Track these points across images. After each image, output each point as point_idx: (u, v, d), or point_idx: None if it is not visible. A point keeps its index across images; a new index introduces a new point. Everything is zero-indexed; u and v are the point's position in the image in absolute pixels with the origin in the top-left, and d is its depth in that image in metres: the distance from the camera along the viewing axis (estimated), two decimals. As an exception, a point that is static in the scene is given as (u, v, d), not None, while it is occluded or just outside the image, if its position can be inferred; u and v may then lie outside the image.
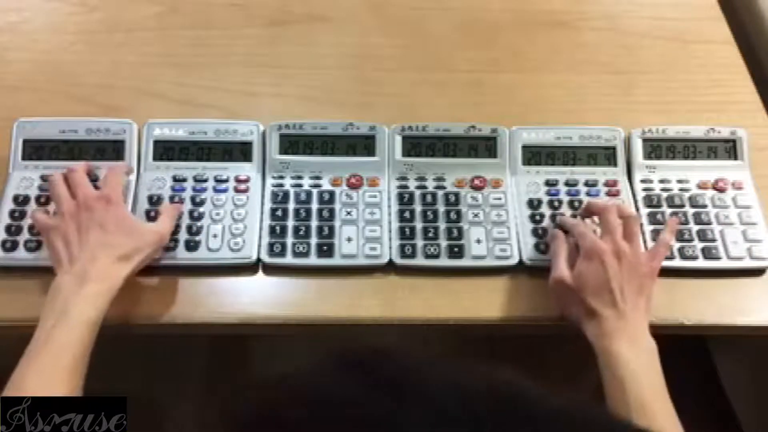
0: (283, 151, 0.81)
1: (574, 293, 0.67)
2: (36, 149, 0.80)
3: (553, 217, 0.78)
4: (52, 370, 0.60)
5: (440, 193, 0.80)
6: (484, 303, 0.74)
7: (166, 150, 0.81)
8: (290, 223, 0.77)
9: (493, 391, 0.31)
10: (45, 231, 0.69)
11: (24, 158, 0.80)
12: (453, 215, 0.78)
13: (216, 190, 0.79)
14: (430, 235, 0.77)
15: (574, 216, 0.78)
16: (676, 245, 0.77)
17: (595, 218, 0.76)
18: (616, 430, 0.31)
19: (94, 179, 0.77)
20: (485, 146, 0.82)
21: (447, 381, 0.31)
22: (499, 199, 0.79)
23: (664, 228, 0.74)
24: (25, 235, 0.75)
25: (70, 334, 0.61)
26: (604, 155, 0.83)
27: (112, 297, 0.65)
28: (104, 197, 0.70)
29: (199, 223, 0.76)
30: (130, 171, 0.78)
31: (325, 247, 0.75)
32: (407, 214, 0.78)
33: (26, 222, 0.76)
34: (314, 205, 0.78)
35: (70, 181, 0.72)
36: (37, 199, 0.77)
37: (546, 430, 0.29)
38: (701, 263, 0.77)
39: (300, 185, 0.80)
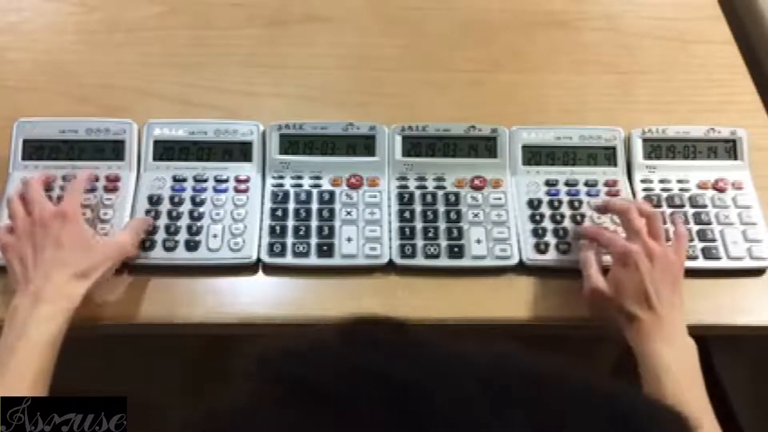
0: (283, 151, 0.81)
1: (612, 301, 0.67)
2: (36, 149, 0.80)
3: (553, 217, 0.78)
4: (14, 392, 0.60)
5: (440, 193, 0.80)
6: (484, 303, 0.74)
7: (166, 150, 0.81)
8: (290, 223, 0.77)
9: (505, 364, 0.32)
10: (2, 250, 0.69)
11: (24, 158, 0.80)
12: (453, 215, 0.78)
13: (216, 190, 0.79)
14: (430, 235, 0.77)
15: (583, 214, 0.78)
16: (676, 245, 0.77)
17: (613, 216, 0.76)
18: (644, 406, 0.32)
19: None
20: (485, 146, 0.82)
21: (459, 354, 0.32)
22: (499, 199, 0.79)
23: (674, 221, 0.74)
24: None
25: (30, 355, 0.61)
26: (604, 155, 0.83)
27: (71, 315, 0.65)
28: (60, 213, 0.68)
29: (199, 223, 0.76)
30: (91, 178, 0.77)
31: (325, 247, 0.75)
32: (407, 214, 0.78)
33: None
34: (314, 205, 0.78)
35: (25, 198, 0.71)
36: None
37: (570, 403, 0.30)
38: (701, 263, 0.77)
39: (300, 185, 0.80)
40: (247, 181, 0.79)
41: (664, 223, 0.77)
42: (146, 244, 0.75)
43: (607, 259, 0.71)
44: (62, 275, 0.65)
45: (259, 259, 0.75)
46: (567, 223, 0.78)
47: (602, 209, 0.76)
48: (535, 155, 0.82)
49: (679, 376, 0.62)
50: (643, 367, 0.64)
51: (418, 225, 0.77)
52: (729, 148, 0.83)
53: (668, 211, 0.79)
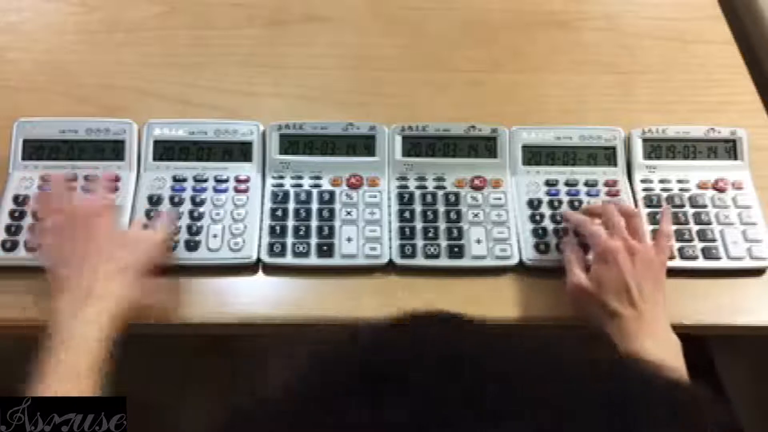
0: (283, 151, 0.81)
1: (593, 297, 0.67)
2: (36, 149, 0.80)
3: (553, 217, 0.79)
4: (65, 390, 0.59)
5: (440, 193, 0.80)
6: (484, 303, 0.74)
7: (166, 150, 0.81)
8: (290, 223, 0.77)
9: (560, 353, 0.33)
10: (38, 249, 0.69)
11: (24, 158, 0.80)
12: (453, 215, 0.78)
13: (216, 190, 0.79)
14: (430, 235, 0.77)
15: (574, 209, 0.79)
16: (676, 245, 0.77)
17: (596, 220, 0.76)
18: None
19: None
20: (485, 146, 0.82)
21: (522, 356, 0.33)
22: (499, 199, 0.79)
23: (660, 218, 0.75)
24: (25, 235, 0.75)
25: (78, 357, 0.60)
26: (604, 155, 0.83)
27: (116, 312, 0.64)
28: (94, 211, 0.68)
29: (199, 223, 0.76)
30: (111, 177, 0.77)
31: (325, 247, 0.75)
32: (407, 214, 0.78)
33: (26, 222, 0.75)
34: (314, 205, 0.78)
35: (55, 195, 0.71)
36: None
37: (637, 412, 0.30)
38: (701, 263, 0.77)
39: (300, 185, 0.80)
40: (247, 181, 0.79)
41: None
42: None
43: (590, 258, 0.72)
44: (104, 272, 0.64)
45: (259, 259, 0.75)
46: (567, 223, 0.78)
47: (586, 214, 0.76)
48: (535, 155, 0.82)
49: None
50: None
51: (418, 225, 0.77)
52: (729, 148, 0.83)
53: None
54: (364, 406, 0.30)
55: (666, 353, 0.64)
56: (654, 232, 0.77)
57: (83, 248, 0.65)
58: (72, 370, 0.60)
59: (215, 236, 0.76)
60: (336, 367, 0.33)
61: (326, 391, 0.31)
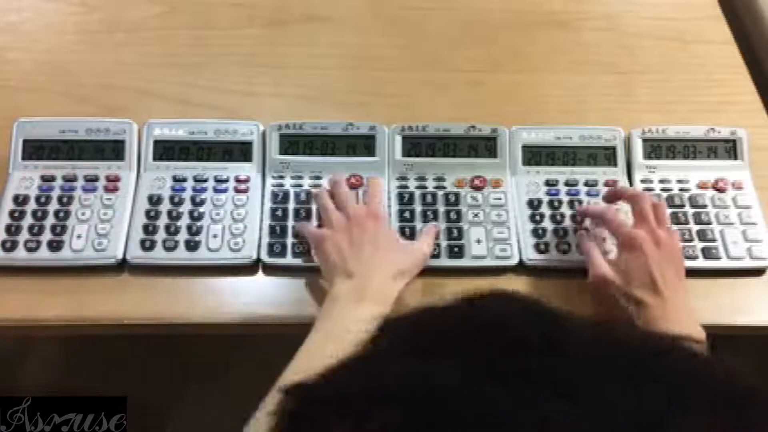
0: (283, 151, 0.81)
1: (619, 287, 0.67)
2: (36, 149, 0.80)
3: (553, 217, 0.79)
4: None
5: (440, 193, 0.80)
6: (484, 303, 0.74)
7: (166, 150, 0.81)
8: (290, 223, 0.77)
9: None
10: (319, 241, 0.71)
11: (24, 158, 0.80)
12: (453, 215, 0.78)
13: (216, 190, 0.79)
14: (430, 235, 0.77)
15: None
16: (676, 245, 0.77)
17: (620, 203, 0.76)
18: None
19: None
20: (485, 146, 0.82)
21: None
22: (499, 199, 0.79)
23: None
24: (24, 235, 0.75)
25: (335, 347, 0.61)
26: (604, 155, 0.83)
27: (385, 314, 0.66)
28: (372, 214, 0.71)
29: (199, 223, 0.76)
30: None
31: (325, 247, 0.75)
32: (407, 214, 0.78)
33: (26, 222, 0.75)
34: (314, 206, 0.78)
35: (335, 196, 0.74)
36: (37, 199, 0.77)
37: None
38: (701, 263, 0.77)
39: (300, 185, 0.80)
40: (247, 181, 0.79)
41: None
42: (146, 244, 0.75)
43: (606, 248, 0.72)
44: (382, 274, 0.67)
45: (259, 259, 0.75)
46: (567, 223, 0.78)
47: (612, 196, 0.77)
48: (535, 155, 0.82)
49: None
50: None
51: (418, 225, 0.77)
52: (729, 148, 0.83)
53: (668, 211, 0.79)
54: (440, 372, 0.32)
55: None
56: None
57: (359, 250, 0.68)
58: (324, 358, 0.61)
59: (215, 236, 0.76)
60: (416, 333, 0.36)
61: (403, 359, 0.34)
